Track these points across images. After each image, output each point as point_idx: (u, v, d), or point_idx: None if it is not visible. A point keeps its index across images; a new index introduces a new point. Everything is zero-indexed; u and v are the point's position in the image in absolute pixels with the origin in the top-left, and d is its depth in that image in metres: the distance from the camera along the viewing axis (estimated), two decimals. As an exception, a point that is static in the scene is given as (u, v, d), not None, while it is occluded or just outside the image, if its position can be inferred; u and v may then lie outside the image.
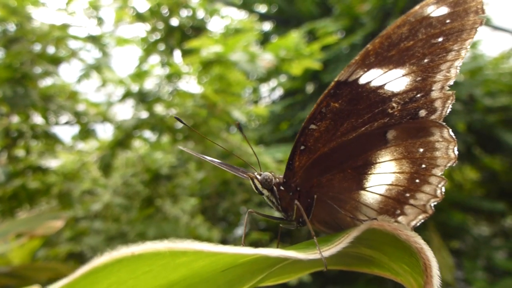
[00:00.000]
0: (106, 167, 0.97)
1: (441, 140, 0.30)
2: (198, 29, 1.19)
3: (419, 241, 0.24)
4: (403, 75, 0.29)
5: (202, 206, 1.16)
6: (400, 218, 0.33)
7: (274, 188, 0.34)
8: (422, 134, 0.30)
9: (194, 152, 0.44)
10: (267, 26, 1.74)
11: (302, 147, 0.32)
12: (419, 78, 0.29)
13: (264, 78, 1.36)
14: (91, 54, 1.02)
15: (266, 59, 0.89)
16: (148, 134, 1.11)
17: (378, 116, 0.30)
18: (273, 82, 1.51)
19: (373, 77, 0.29)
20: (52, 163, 1.08)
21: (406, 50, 0.28)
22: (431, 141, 0.30)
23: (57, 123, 1.01)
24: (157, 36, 1.20)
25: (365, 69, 0.29)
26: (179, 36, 1.17)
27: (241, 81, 0.94)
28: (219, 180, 1.12)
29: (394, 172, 0.32)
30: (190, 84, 1.05)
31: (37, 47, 0.95)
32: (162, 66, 1.03)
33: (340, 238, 0.26)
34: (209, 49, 0.88)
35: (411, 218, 0.33)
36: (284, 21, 1.68)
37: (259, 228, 1.32)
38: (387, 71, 0.29)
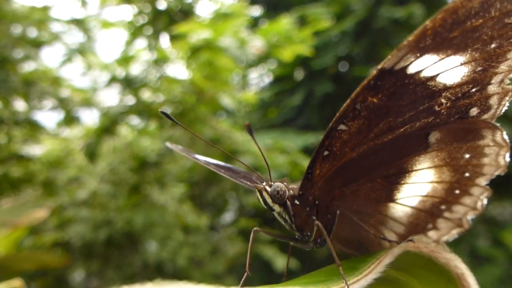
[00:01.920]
0: (92, 154, 0.95)
1: (492, 144, 0.26)
2: (186, 13, 1.16)
3: (460, 265, 0.22)
4: (462, 64, 0.24)
5: (191, 192, 1.15)
6: (430, 233, 0.29)
7: (288, 202, 0.28)
8: (470, 137, 0.26)
9: (188, 152, 0.38)
10: (256, 10, 1.71)
11: (326, 153, 0.27)
12: (479, 68, 0.24)
13: (254, 64, 1.34)
14: (74, 38, 0.99)
15: (256, 45, 0.87)
16: (135, 120, 1.09)
17: (422, 114, 0.25)
18: (262, 68, 1.50)
19: (425, 65, 0.24)
20: (36, 150, 1.06)
21: (471, 31, 0.23)
22: (480, 145, 0.26)
23: (40, 109, 0.99)
24: (144, 19, 1.17)
25: (418, 54, 0.24)
26: (166, 20, 1.14)
27: (230, 67, 0.92)
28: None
29: (431, 182, 0.27)
30: (178, 70, 1.03)
31: (17, 30, 0.91)
32: (150, 50, 1.00)
33: (368, 264, 0.22)
34: (198, 34, 0.85)
35: (443, 233, 0.29)
36: (273, 5, 1.65)
37: (248, 215, 1.31)
38: (443, 58, 0.24)
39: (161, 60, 0.95)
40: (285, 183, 0.29)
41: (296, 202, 0.28)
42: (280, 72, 1.42)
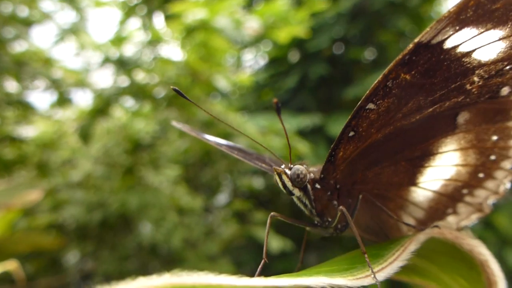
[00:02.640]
0: (86, 136, 0.94)
1: None
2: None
3: (484, 251, 0.21)
4: (500, 39, 0.23)
5: (185, 174, 1.15)
6: (450, 218, 0.28)
7: (308, 186, 0.27)
8: (500, 118, 0.25)
9: (196, 132, 0.36)
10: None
11: (351, 133, 0.25)
12: None
13: (249, 45, 1.33)
14: (66, 17, 0.97)
15: (252, 26, 0.86)
16: (129, 102, 1.08)
17: (453, 93, 0.24)
18: (257, 50, 1.48)
19: (463, 39, 0.23)
20: (29, 132, 1.05)
21: None
22: (509, 127, 0.25)
23: (32, 90, 0.97)
24: (137, -2, 1.15)
25: (457, 27, 0.22)
26: (161, -2, 1.12)
27: (225, 48, 0.91)
28: (203, 150, 1.10)
29: (456, 165, 0.26)
30: (173, 51, 1.02)
31: (7, 10, 0.90)
32: (144, 30, 0.99)
33: (392, 251, 0.21)
34: (193, 14, 0.84)
35: (463, 218, 0.28)
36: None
37: (243, 197, 1.31)
38: (482, 32, 0.22)
39: (155, 41, 0.94)
40: (305, 165, 0.27)
41: (317, 186, 0.27)
42: (275, 54, 1.41)
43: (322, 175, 0.27)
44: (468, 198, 0.27)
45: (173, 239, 0.96)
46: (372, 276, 0.20)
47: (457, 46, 0.23)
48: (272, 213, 0.28)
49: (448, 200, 0.28)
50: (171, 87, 0.27)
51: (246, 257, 1.24)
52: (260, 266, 0.26)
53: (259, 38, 1.11)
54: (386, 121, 0.25)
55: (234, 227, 1.11)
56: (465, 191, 0.27)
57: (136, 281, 0.14)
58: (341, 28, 1.34)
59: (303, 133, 1.11)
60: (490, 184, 0.27)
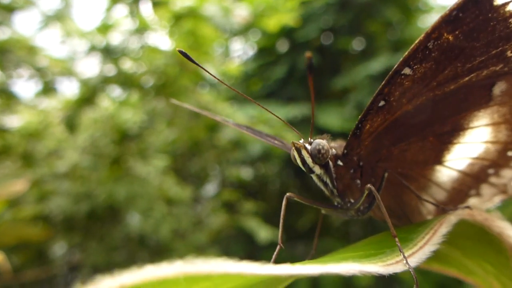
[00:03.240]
0: (72, 126, 0.93)
1: None
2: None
3: None
4: None
5: (173, 165, 1.14)
6: (472, 200, 0.27)
7: (330, 163, 0.25)
8: None
9: (200, 110, 0.33)
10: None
11: (382, 103, 0.23)
12: None
13: (238, 33, 1.32)
14: (50, 3, 0.95)
15: (241, 14, 0.85)
16: (116, 91, 1.07)
17: (492, 60, 0.22)
18: (246, 39, 1.47)
19: None
20: (14, 121, 1.03)
21: None
22: None
23: (16, 79, 0.95)
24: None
25: None
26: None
27: (214, 37, 0.90)
28: (191, 141, 1.09)
29: (485, 142, 0.25)
30: (160, 40, 1.01)
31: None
32: (131, 18, 0.97)
33: (422, 235, 0.20)
34: (181, 0, 0.83)
35: (485, 200, 0.27)
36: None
37: (232, 187, 1.31)
38: None
39: (142, 29, 0.93)
40: (326, 140, 0.25)
41: (339, 163, 0.25)
42: (263, 44, 1.40)
43: (345, 151, 0.25)
44: (493, 179, 0.26)
45: (162, 229, 0.96)
46: (404, 262, 0.18)
47: (508, 3, 0.21)
48: (288, 194, 0.25)
49: (472, 180, 0.26)
50: (177, 49, 0.25)
51: (235, 247, 1.24)
52: (275, 252, 0.24)
53: (248, 26, 1.10)
54: (419, 90, 0.23)
55: (223, 218, 1.11)
56: (491, 170, 0.26)
57: (144, 270, 0.12)
58: (330, 18, 1.33)
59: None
60: None
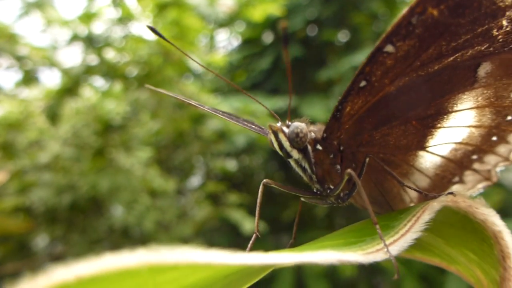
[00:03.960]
0: (53, 117, 0.91)
1: None
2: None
3: (498, 222, 0.18)
4: None
5: (157, 156, 1.13)
6: (455, 187, 0.26)
7: (309, 147, 0.24)
8: None
9: (182, 97, 0.32)
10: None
11: (363, 83, 0.22)
12: None
13: (223, 24, 1.31)
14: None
15: (227, 3, 0.84)
16: (99, 82, 1.05)
17: (477, 39, 0.21)
18: (231, 30, 1.46)
19: None
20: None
21: None
22: None
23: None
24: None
25: None
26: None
27: (198, 27, 0.89)
28: (175, 132, 1.08)
29: (469, 126, 0.24)
30: (144, 29, 0.99)
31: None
32: (115, 7, 0.96)
33: (404, 222, 0.19)
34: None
35: (469, 187, 0.26)
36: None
37: (216, 179, 1.31)
38: None
39: (126, 18, 0.91)
40: (305, 123, 0.24)
41: (319, 147, 0.24)
42: (248, 35, 1.39)
43: (325, 135, 0.24)
44: (477, 165, 0.26)
45: (146, 221, 0.95)
46: (385, 250, 0.18)
47: None
48: (264, 180, 0.25)
49: (456, 166, 0.26)
50: (146, 25, 0.24)
51: (219, 239, 1.24)
52: (251, 241, 0.24)
53: (233, 17, 1.09)
54: (402, 69, 0.22)
55: (207, 209, 1.11)
56: (475, 156, 0.25)
57: (102, 259, 0.11)
58: (315, 9, 1.33)
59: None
60: (502, 148, 0.25)
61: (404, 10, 0.21)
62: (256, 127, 0.27)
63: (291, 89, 0.24)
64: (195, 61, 0.27)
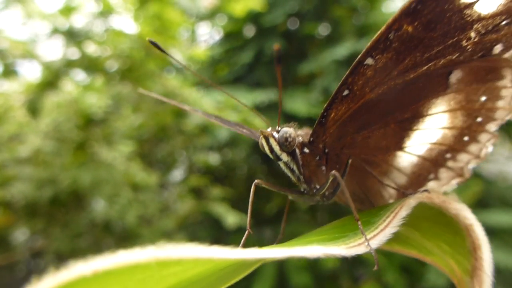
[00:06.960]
0: (34, 110, 0.90)
1: (509, 85, 0.24)
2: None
3: (469, 216, 0.20)
4: None
5: (140, 150, 1.13)
6: (431, 184, 0.28)
7: (297, 150, 0.26)
8: (490, 77, 0.24)
9: (170, 100, 0.34)
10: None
11: (346, 92, 0.24)
12: None
13: (204, 18, 1.31)
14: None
15: (209, -2, 0.84)
16: (80, 75, 1.04)
17: (448, 50, 0.23)
18: (212, 24, 1.46)
19: None
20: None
21: None
22: (498, 87, 0.25)
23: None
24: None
25: None
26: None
27: (180, 21, 0.89)
28: (158, 126, 1.08)
29: (443, 128, 0.26)
30: (125, 23, 0.99)
31: None
32: (95, 0, 0.95)
33: (383, 218, 0.21)
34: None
35: (444, 183, 0.28)
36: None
37: (199, 172, 1.31)
38: None
39: (107, 12, 0.91)
40: (293, 128, 0.26)
41: (306, 150, 0.26)
42: (230, 28, 1.39)
43: (311, 139, 0.26)
44: (450, 163, 0.28)
45: (128, 215, 0.95)
46: (366, 244, 0.19)
47: None
48: (256, 181, 0.27)
49: (431, 165, 0.28)
50: (147, 39, 0.26)
51: (202, 233, 1.24)
52: (244, 237, 0.26)
53: (215, 11, 1.09)
54: (381, 79, 0.24)
55: (190, 203, 1.11)
56: (448, 155, 0.27)
57: (117, 255, 0.12)
58: (296, 3, 1.34)
59: (259, 109, 1.11)
60: (473, 147, 0.27)
61: (382, 27, 0.23)
62: (248, 131, 0.29)
63: (281, 99, 0.26)
64: (180, 64, 0.28)
